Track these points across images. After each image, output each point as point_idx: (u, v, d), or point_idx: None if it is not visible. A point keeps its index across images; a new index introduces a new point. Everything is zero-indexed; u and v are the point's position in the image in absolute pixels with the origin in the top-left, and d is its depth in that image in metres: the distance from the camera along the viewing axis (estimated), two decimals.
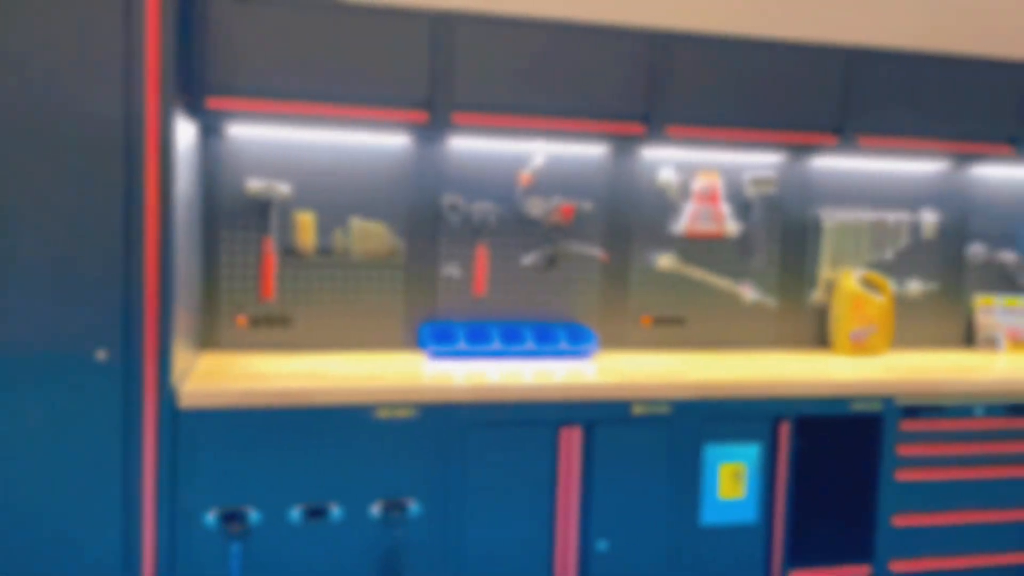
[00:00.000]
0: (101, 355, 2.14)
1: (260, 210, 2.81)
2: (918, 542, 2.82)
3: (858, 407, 2.71)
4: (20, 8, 2.07)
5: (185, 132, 2.39)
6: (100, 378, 2.15)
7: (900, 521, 2.80)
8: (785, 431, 2.67)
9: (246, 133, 2.77)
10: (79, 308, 2.14)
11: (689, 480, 2.60)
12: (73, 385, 2.15)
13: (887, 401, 2.73)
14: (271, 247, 2.80)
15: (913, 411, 2.77)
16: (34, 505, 2.18)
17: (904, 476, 2.79)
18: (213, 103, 2.49)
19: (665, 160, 3.15)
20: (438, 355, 2.81)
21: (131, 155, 2.13)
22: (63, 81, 2.10)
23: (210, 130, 2.74)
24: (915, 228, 3.40)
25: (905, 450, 2.78)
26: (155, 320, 2.18)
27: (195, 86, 2.47)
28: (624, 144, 2.96)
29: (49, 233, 2.12)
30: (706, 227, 3.20)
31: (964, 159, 3.23)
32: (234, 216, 2.81)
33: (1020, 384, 2.86)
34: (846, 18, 3.27)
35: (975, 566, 2.88)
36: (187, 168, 2.43)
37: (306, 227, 2.83)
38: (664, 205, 3.18)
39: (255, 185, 2.77)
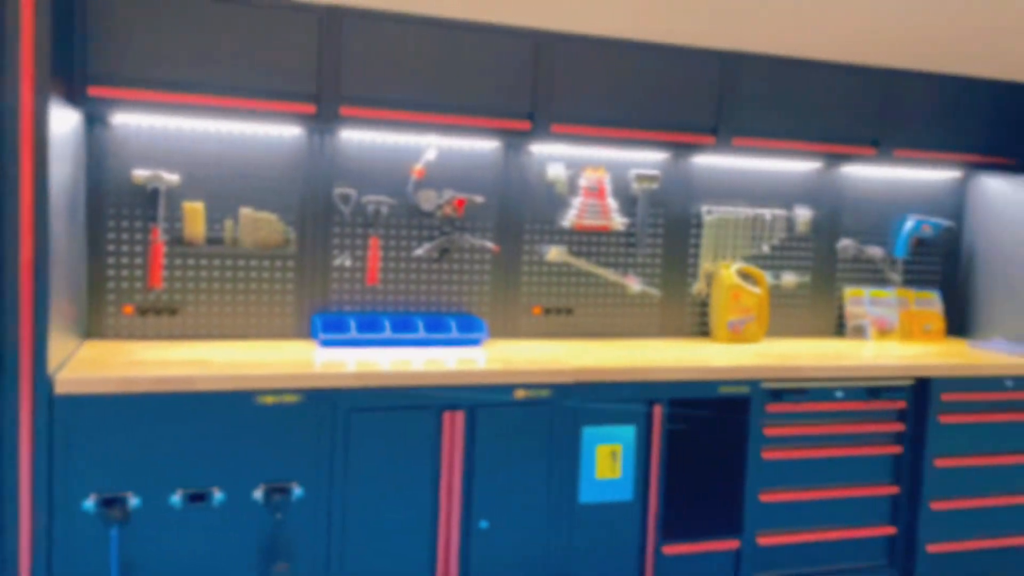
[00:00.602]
0: None
1: (148, 199, 2.82)
2: (783, 516, 3.02)
3: (727, 391, 2.88)
4: None
5: (65, 121, 2.38)
6: None
7: (766, 497, 2.99)
8: (659, 413, 2.82)
9: (133, 122, 2.78)
10: None
11: (568, 461, 2.73)
12: None
13: (754, 385, 2.91)
14: (159, 236, 2.81)
15: (778, 394, 2.96)
16: None
17: (770, 455, 2.98)
18: (95, 92, 2.50)
19: (554, 156, 3.27)
20: (329, 344, 2.87)
21: (3, 143, 2.12)
22: None
23: (94, 119, 2.73)
24: (789, 224, 3.62)
25: (771, 431, 2.97)
26: (30, 308, 2.17)
27: (76, 74, 2.47)
28: (513, 140, 3.07)
29: None
30: (594, 221, 3.33)
31: (833, 159, 3.45)
32: (121, 205, 2.81)
33: (877, 369, 3.09)
34: (723, 25, 3.44)
35: (835, 539, 3.10)
36: (67, 157, 2.42)
37: (195, 217, 2.85)
38: (553, 199, 3.31)
39: (142, 174, 2.77)
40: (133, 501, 2.30)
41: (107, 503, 2.27)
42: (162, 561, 2.34)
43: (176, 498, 2.34)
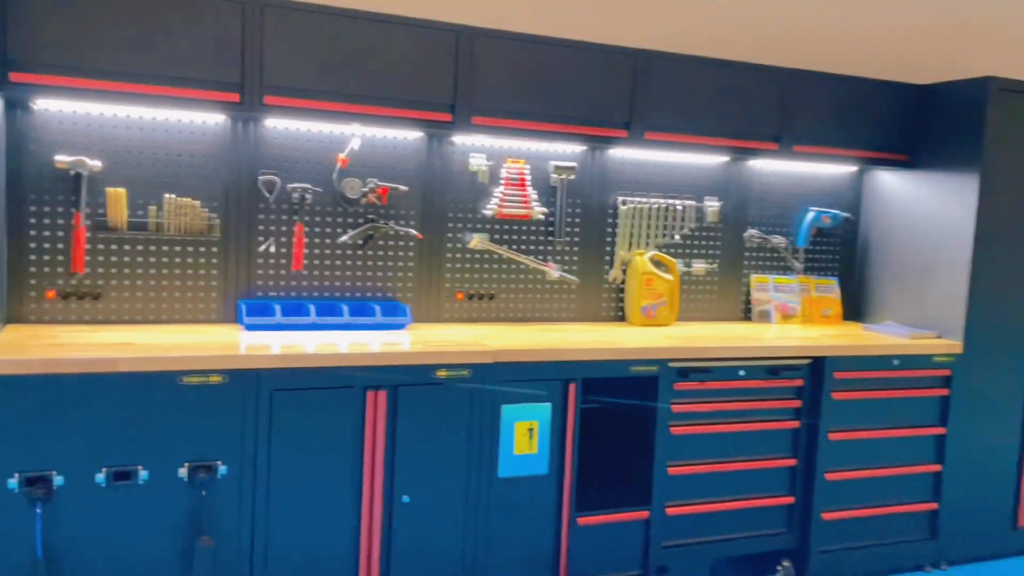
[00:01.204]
0: None
1: (70, 185, 2.84)
2: (690, 488, 3.22)
3: (637, 370, 3.06)
4: None
5: None
6: None
7: (674, 470, 3.18)
8: (573, 392, 2.98)
9: (55, 108, 2.79)
10: None
11: (487, 437, 2.86)
12: None
13: (662, 364, 3.10)
14: (81, 221, 2.83)
15: (685, 373, 3.16)
16: None
17: (678, 430, 3.17)
18: (16, 77, 2.52)
19: (476, 147, 3.39)
20: (254, 328, 2.94)
21: None
22: None
23: (15, 104, 2.74)
24: (699, 214, 3.82)
25: (678, 407, 3.16)
26: None
27: None
28: (436, 131, 3.18)
29: None
30: (514, 210, 3.47)
31: (739, 153, 3.66)
32: (43, 191, 2.82)
33: (776, 350, 3.31)
34: (635, 24, 3.63)
35: (738, 508, 3.31)
36: None
37: (117, 202, 2.88)
38: (476, 189, 3.43)
39: (64, 159, 2.79)
40: (57, 479, 2.34)
41: (31, 482, 2.31)
42: (88, 538, 2.39)
43: (100, 476, 2.39)
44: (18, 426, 2.30)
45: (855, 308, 4.13)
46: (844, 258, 4.14)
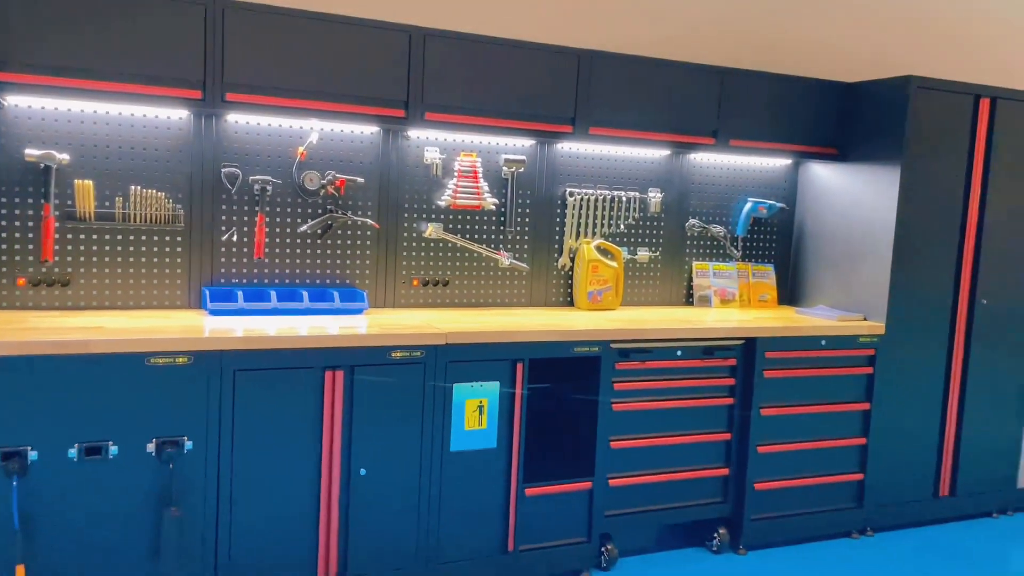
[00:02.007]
0: None
1: (39, 177, 2.97)
2: (631, 460, 3.45)
3: (580, 350, 3.27)
4: None
5: None
6: None
7: (616, 444, 3.41)
8: (521, 371, 3.18)
9: (24, 103, 2.92)
10: None
11: (440, 414, 3.06)
12: None
13: (604, 345, 3.31)
14: (50, 212, 2.97)
15: (626, 353, 3.38)
16: None
17: (619, 407, 3.40)
18: None
19: (431, 141, 3.58)
20: (217, 313, 3.10)
21: None
22: None
23: None
24: (643, 205, 4.05)
25: (620, 385, 3.39)
26: None
27: None
28: (391, 126, 3.36)
29: None
30: (468, 201, 3.66)
31: (680, 148, 3.88)
32: (12, 183, 2.96)
33: (711, 331, 3.55)
34: (580, 25, 3.84)
35: (677, 479, 3.55)
36: None
37: (85, 194, 3.02)
38: (430, 181, 3.62)
39: (33, 153, 2.92)
40: (32, 454, 2.49)
41: (6, 456, 2.46)
42: (62, 509, 2.54)
43: (73, 452, 2.54)
44: None
45: (791, 293, 4.39)
46: (780, 246, 4.40)
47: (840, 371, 3.81)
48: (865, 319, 3.90)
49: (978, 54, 4.84)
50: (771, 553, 3.73)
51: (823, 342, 3.74)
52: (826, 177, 4.20)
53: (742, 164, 4.22)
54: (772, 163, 4.27)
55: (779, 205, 4.27)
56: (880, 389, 3.88)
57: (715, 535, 3.67)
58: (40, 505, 2.51)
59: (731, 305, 4.20)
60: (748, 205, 4.22)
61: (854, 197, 4.02)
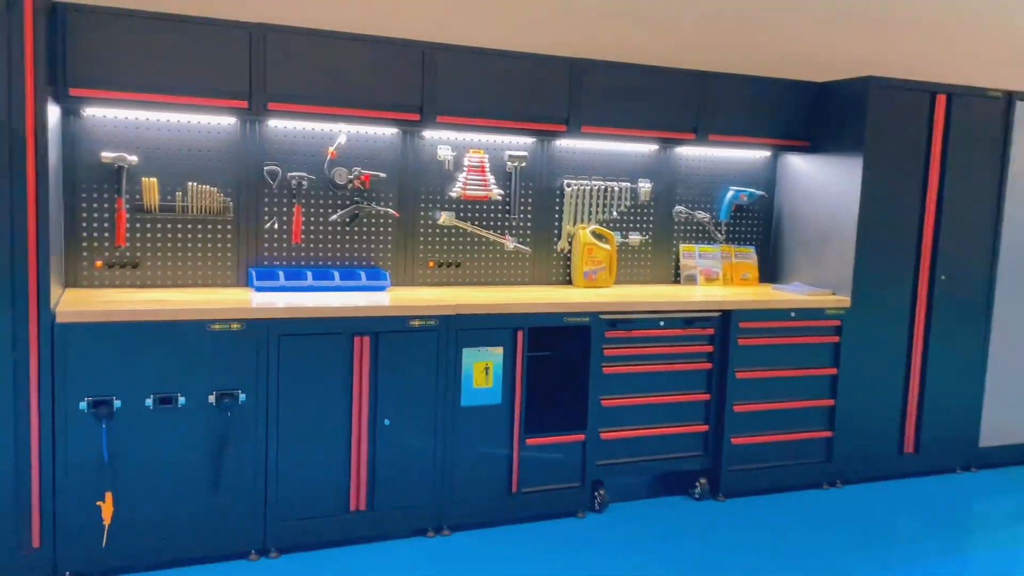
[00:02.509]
0: None
1: (113, 176, 3.53)
2: (620, 417, 3.95)
3: (572, 320, 3.78)
4: None
5: (52, 114, 3.08)
6: None
7: (606, 402, 3.91)
8: (521, 338, 3.69)
9: (100, 114, 3.48)
10: None
11: (451, 374, 3.58)
12: None
13: (594, 316, 3.82)
14: (122, 205, 3.54)
15: (614, 323, 3.88)
16: None
17: (609, 370, 3.90)
18: (74, 92, 3.21)
19: (443, 140, 4.10)
20: (262, 289, 3.65)
21: (14, 133, 2.82)
22: None
23: (70, 112, 3.43)
24: (634, 194, 4.54)
25: (609, 351, 3.89)
26: (35, 261, 2.88)
27: (60, 79, 3.17)
28: (408, 128, 3.88)
29: None
30: (476, 192, 4.18)
31: (665, 143, 4.37)
32: (91, 181, 3.52)
33: (690, 304, 4.03)
34: (570, 34, 4.34)
35: (661, 434, 4.05)
36: (54, 142, 3.13)
37: (151, 189, 3.58)
38: (443, 175, 4.14)
39: (108, 156, 3.49)
40: (116, 403, 3.05)
41: (96, 404, 3.02)
42: (140, 448, 3.10)
43: (149, 401, 3.10)
44: (86, 362, 3.01)
45: (770, 272, 4.87)
46: (761, 229, 4.87)
47: (808, 339, 4.28)
48: (833, 294, 4.36)
49: (941, 54, 5.27)
50: (748, 501, 4.21)
51: (792, 314, 4.21)
52: (800, 167, 4.66)
53: (724, 156, 4.69)
54: (753, 154, 4.74)
55: (759, 193, 4.74)
56: (846, 356, 4.34)
57: (696, 484, 4.16)
58: (123, 445, 3.08)
59: (715, 283, 4.68)
60: (730, 193, 4.69)
61: (823, 184, 4.49)
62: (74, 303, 3.13)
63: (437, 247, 4.18)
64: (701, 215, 4.69)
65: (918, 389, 4.56)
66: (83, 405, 3.01)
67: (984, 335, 4.65)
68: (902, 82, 4.28)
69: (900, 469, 4.62)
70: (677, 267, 4.71)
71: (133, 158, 3.54)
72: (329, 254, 3.97)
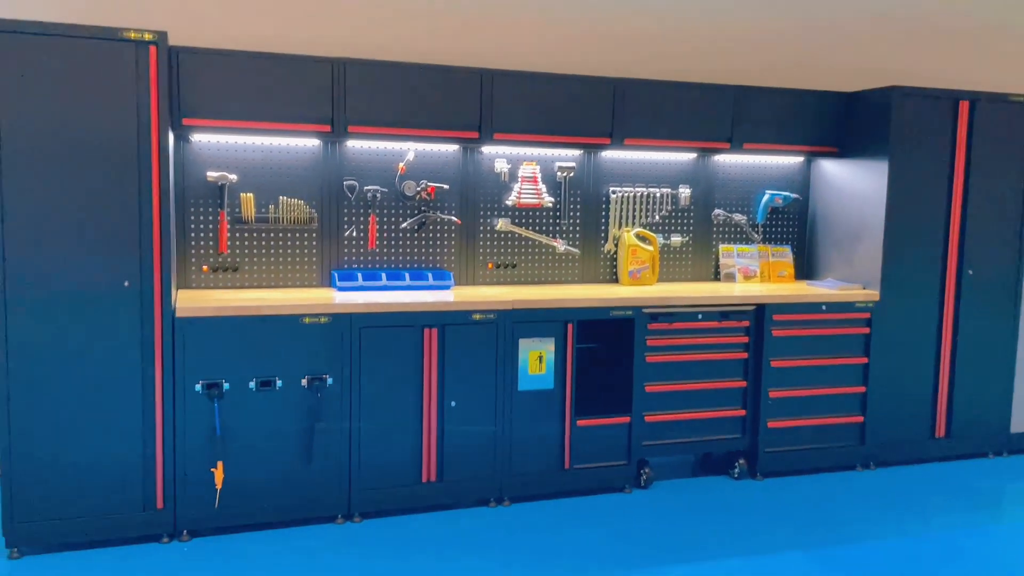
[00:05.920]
0: (127, 284, 3.40)
1: (216, 192, 4.10)
2: (662, 402, 4.35)
3: (617, 314, 4.20)
4: (78, 79, 3.29)
5: (170, 141, 3.65)
6: (127, 299, 3.41)
7: (650, 388, 4.32)
8: (571, 330, 4.13)
9: (206, 139, 4.06)
10: (114, 256, 3.38)
11: (510, 362, 4.03)
12: (109, 305, 3.40)
13: (637, 310, 4.23)
14: (225, 217, 4.10)
15: (655, 316, 4.28)
16: (84, 385, 3.41)
17: (652, 359, 4.30)
18: (187, 122, 3.78)
19: (499, 154, 4.57)
20: (343, 289, 4.17)
21: (141, 157, 3.39)
22: (104, 118, 3.34)
23: (181, 138, 4.01)
24: (675, 199, 4.93)
25: (652, 342, 4.30)
26: (158, 265, 3.44)
27: (175, 110, 3.74)
28: (468, 145, 4.37)
29: (97, 212, 3.35)
30: (530, 200, 4.64)
31: (703, 152, 4.77)
32: (198, 196, 4.10)
33: (726, 299, 4.41)
34: (613, 58, 4.77)
35: (701, 418, 4.44)
36: (170, 164, 3.69)
37: (248, 203, 4.14)
38: (500, 185, 4.61)
39: (212, 174, 4.06)
40: (226, 385, 3.59)
41: (209, 386, 3.57)
42: (246, 423, 3.63)
43: (252, 384, 3.63)
44: (201, 350, 3.55)
45: (805, 269, 5.20)
46: (796, 229, 5.21)
47: (839, 331, 4.61)
48: (863, 288, 4.68)
49: (965, 62, 5.54)
50: (784, 480, 4.56)
51: (823, 307, 4.55)
52: (831, 171, 5.00)
53: (759, 162, 5.05)
54: (787, 160, 5.09)
55: (794, 196, 5.08)
56: (877, 346, 4.66)
57: (735, 465, 4.53)
58: (232, 420, 3.61)
59: (753, 281, 5.04)
60: (766, 196, 5.05)
61: (852, 187, 4.82)
62: (189, 301, 3.69)
63: (495, 250, 4.64)
64: (739, 217, 5.06)
65: (948, 376, 4.83)
66: (198, 387, 3.56)
67: (1013, 325, 4.90)
68: (925, 90, 4.59)
69: (932, 453, 4.89)
70: (717, 266, 5.08)
71: (233, 176, 4.10)
72: (400, 257, 4.47)
